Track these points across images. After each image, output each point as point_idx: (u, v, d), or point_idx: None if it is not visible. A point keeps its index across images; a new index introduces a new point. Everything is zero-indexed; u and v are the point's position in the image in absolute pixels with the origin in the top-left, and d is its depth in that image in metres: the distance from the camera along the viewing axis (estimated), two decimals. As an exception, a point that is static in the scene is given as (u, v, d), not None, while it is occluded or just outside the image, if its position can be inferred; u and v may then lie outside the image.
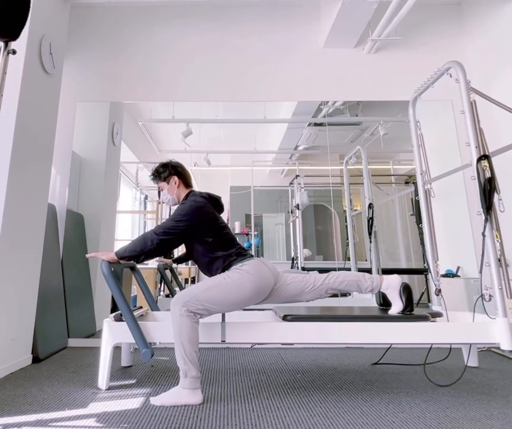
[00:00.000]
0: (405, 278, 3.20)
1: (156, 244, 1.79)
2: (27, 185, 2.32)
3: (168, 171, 2.03)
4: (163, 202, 2.12)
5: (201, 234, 1.85)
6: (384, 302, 2.09)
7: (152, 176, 2.09)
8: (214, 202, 1.98)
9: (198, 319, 1.72)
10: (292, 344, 2.53)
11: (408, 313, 1.90)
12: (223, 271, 1.82)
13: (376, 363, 2.31)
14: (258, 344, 2.64)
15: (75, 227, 3.15)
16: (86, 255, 1.93)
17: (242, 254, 1.87)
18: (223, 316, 1.91)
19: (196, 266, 2.00)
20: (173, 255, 2.71)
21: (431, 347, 2.23)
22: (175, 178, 2.02)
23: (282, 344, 2.48)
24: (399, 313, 1.91)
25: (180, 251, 2.34)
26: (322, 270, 3.12)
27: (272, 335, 1.87)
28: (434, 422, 1.48)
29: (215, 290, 1.74)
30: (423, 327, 1.84)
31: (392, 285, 1.92)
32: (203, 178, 3.74)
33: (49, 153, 2.58)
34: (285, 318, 1.90)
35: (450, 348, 2.24)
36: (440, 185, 2.54)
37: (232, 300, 1.75)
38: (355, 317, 1.94)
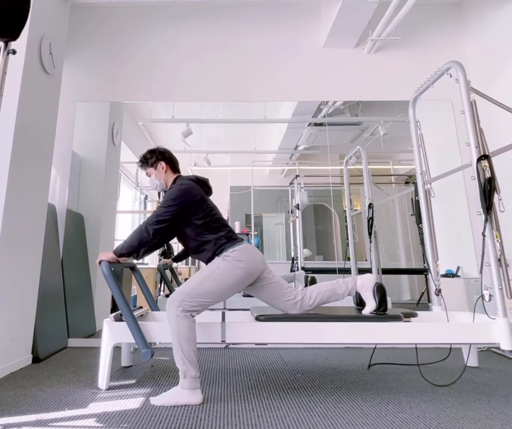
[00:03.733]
0: (405, 278, 3.21)
1: (152, 234, 1.79)
2: (27, 185, 2.32)
3: (155, 157, 2.05)
4: (153, 188, 2.10)
5: (190, 216, 1.85)
6: (361, 302, 2.06)
7: (139, 163, 2.10)
8: (201, 184, 1.98)
9: (195, 319, 1.72)
10: (270, 343, 2.53)
11: (382, 313, 1.89)
12: (214, 255, 1.82)
13: (369, 366, 2.26)
14: (258, 344, 2.63)
15: (75, 227, 3.15)
16: (96, 262, 1.86)
17: (233, 237, 1.87)
18: (223, 315, 1.91)
19: (195, 265, 2.00)
20: (173, 255, 2.71)
21: (432, 348, 2.23)
22: (163, 163, 2.04)
23: (281, 343, 2.48)
24: (371, 312, 1.90)
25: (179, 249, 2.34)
26: (322, 270, 3.13)
27: (272, 335, 1.87)
28: (434, 422, 1.48)
29: (207, 282, 1.74)
30: (423, 327, 1.83)
31: (365, 285, 1.92)
32: (203, 178, 3.74)
33: (49, 153, 2.58)
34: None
35: (451, 348, 2.24)
36: (440, 185, 2.54)
37: (224, 287, 1.76)
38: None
